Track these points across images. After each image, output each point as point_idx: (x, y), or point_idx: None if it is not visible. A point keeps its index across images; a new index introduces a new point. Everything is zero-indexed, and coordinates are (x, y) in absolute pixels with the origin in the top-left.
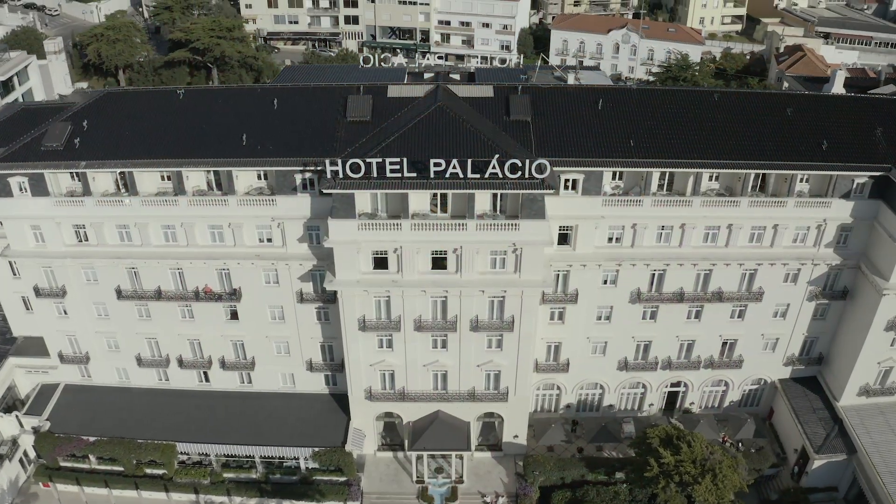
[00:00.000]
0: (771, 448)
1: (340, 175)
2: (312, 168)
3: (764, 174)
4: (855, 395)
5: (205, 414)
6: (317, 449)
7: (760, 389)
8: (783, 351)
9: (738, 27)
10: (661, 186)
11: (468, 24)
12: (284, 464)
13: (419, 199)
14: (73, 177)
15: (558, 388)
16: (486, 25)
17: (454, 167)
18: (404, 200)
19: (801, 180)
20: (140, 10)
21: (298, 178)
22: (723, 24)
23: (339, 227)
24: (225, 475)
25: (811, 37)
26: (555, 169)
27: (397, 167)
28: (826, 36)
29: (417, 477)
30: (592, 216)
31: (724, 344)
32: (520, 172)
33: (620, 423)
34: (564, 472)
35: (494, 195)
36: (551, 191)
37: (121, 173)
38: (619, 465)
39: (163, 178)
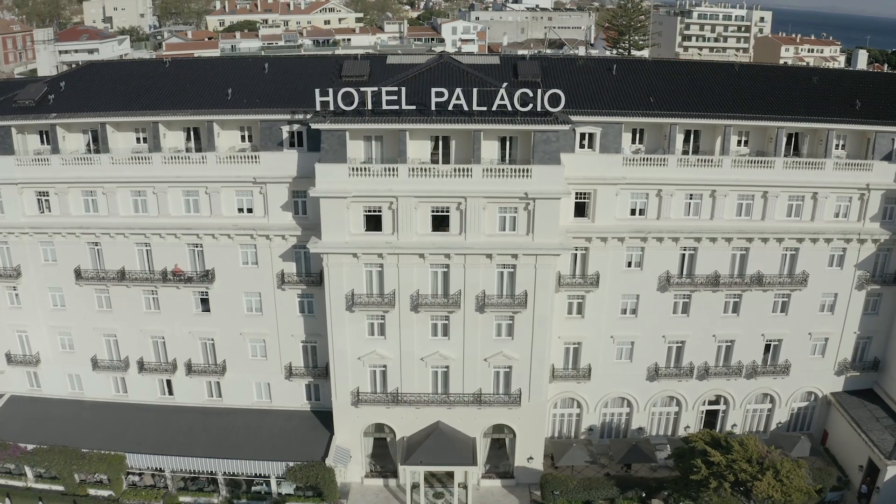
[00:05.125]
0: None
1: (331, 107)
2: (301, 118)
3: (797, 136)
4: None
5: (163, 428)
6: (291, 464)
7: (811, 407)
8: (834, 355)
9: None
10: (685, 153)
11: None
12: (253, 487)
13: (418, 148)
14: (42, 139)
15: (578, 404)
16: None
17: (458, 98)
18: (402, 143)
19: (837, 146)
20: None
21: (285, 131)
22: None
23: (327, 172)
24: (181, 499)
25: None
26: (570, 127)
27: (395, 98)
28: None
29: None
30: (612, 178)
31: (768, 347)
32: (531, 105)
33: (654, 448)
34: (591, 493)
35: (503, 142)
36: (566, 126)
37: (93, 134)
38: (657, 485)
39: (138, 139)
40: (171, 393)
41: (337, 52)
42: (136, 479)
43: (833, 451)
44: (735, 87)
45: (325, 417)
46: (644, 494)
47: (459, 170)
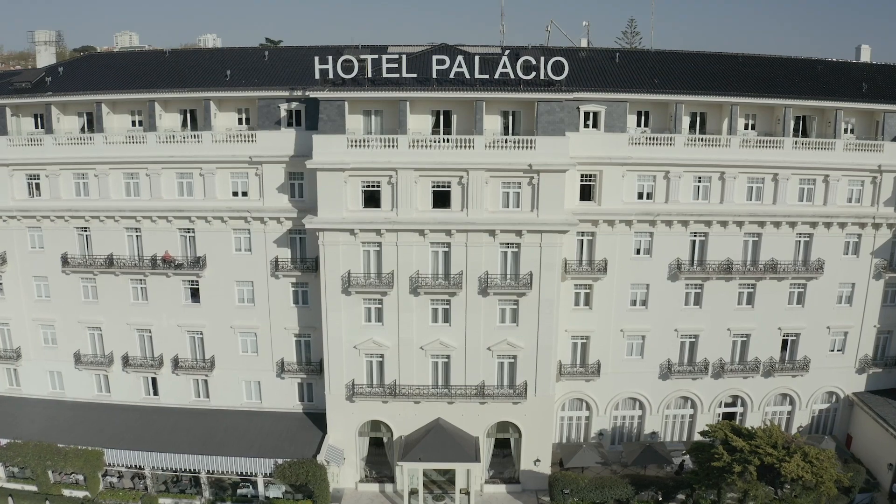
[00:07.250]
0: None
1: (330, 75)
2: (300, 95)
3: (804, 121)
4: None
5: (146, 429)
6: (280, 461)
7: (833, 409)
8: (854, 350)
9: None
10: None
11: None
12: (239, 490)
13: (419, 122)
14: (37, 123)
15: (587, 406)
16: None
17: (459, 66)
18: (402, 115)
19: (846, 130)
20: None
21: (283, 109)
22: None
23: (325, 144)
24: (161, 501)
25: None
26: (574, 96)
27: (395, 66)
28: None
29: None
30: (618, 157)
31: (785, 343)
32: (534, 73)
33: (669, 453)
34: (604, 492)
35: (505, 116)
36: (570, 95)
37: (88, 117)
38: (675, 485)
39: (134, 122)
40: (155, 393)
41: None
42: (115, 480)
43: (859, 454)
44: (739, 73)
45: (318, 419)
46: (660, 498)
47: (461, 141)
